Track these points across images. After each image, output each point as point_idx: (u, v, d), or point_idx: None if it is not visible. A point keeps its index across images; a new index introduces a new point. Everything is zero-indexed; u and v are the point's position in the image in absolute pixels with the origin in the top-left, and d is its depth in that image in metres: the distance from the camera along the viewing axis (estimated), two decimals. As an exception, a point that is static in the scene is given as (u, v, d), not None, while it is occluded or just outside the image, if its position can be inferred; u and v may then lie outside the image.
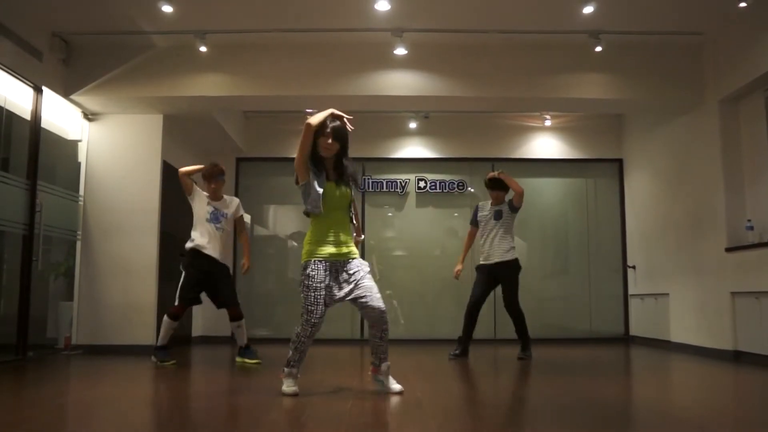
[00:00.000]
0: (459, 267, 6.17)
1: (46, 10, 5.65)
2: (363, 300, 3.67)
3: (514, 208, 6.10)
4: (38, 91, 5.79)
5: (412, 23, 6.01)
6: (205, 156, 8.25)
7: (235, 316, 5.51)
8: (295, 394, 3.68)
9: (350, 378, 4.61)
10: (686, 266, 6.73)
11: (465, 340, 6.05)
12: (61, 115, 6.35)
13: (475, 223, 6.23)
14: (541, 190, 8.76)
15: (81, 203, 6.56)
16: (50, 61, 5.97)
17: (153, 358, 5.42)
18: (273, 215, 8.76)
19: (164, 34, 6.16)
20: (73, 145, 6.61)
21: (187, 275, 5.40)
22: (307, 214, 3.82)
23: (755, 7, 5.48)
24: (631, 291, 8.18)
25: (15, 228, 5.55)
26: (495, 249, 6.02)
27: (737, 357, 5.82)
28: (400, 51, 6.25)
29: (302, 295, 3.66)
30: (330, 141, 3.76)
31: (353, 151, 8.68)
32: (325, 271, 3.65)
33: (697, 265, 6.50)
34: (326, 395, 3.81)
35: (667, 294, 7.12)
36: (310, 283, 3.62)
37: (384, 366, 3.83)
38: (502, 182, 6.09)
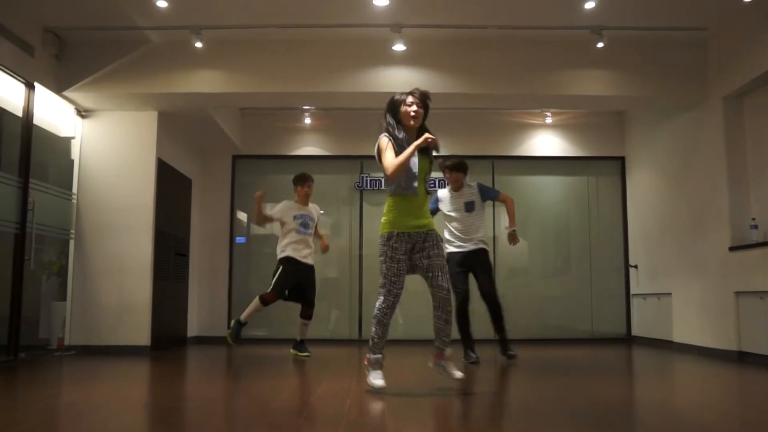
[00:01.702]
0: None
1: (38, 5, 5.56)
2: (434, 278, 3.73)
3: (493, 197, 5.66)
4: (30, 87, 5.70)
5: (411, 19, 5.93)
6: (200, 154, 8.21)
7: (308, 315, 6.02)
8: (382, 389, 3.68)
9: (348, 378, 4.55)
10: (689, 265, 6.65)
11: (469, 341, 5.64)
12: (53, 111, 6.27)
13: (434, 209, 5.63)
14: (542, 189, 8.69)
15: (74, 201, 6.47)
16: (42, 57, 5.87)
17: (230, 337, 5.88)
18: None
19: (159, 29, 6.07)
20: (66, 142, 6.52)
21: (284, 271, 5.88)
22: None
23: (760, 1, 5.40)
24: (633, 290, 8.10)
25: (7, 227, 5.47)
26: (465, 238, 5.57)
27: (741, 358, 5.74)
28: (399, 47, 6.17)
29: (383, 266, 3.75)
30: (416, 108, 3.79)
31: (351, 149, 8.67)
32: (407, 243, 3.74)
33: (701, 264, 6.42)
34: (324, 396, 3.76)
35: (670, 294, 7.04)
36: (394, 254, 3.72)
37: (447, 351, 3.83)
38: (463, 165, 5.65)
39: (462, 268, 5.49)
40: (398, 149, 3.76)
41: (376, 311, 3.81)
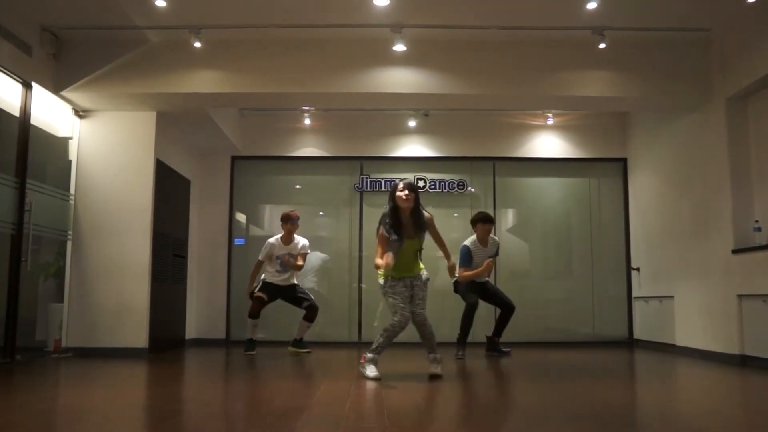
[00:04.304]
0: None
1: (36, 4, 5.51)
2: (414, 305, 4.72)
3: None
4: (27, 86, 5.66)
5: (412, 19, 5.89)
6: (199, 155, 8.18)
7: (309, 318, 6.65)
8: (378, 379, 4.47)
9: (348, 381, 4.51)
10: (692, 268, 6.60)
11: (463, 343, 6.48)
12: (51, 111, 6.22)
13: (468, 263, 6.48)
14: (544, 190, 8.65)
15: (72, 202, 6.43)
16: (40, 56, 5.83)
17: (246, 351, 6.57)
18: (269, 215, 8.64)
19: (158, 29, 6.04)
20: (64, 142, 6.47)
21: (263, 286, 6.68)
22: None
23: (764, 2, 5.36)
24: (635, 293, 8.04)
25: (3, 227, 5.42)
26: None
27: (744, 361, 5.70)
28: (400, 47, 6.12)
29: (390, 299, 4.68)
30: (407, 192, 4.58)
31: (351, 150, 8.62)
32: (402, 282, 4.71)
33: (703, 267, 6.37)
34: (323, 399, 3.73)
35: (672, 296, 6.99)
36: (395, 289, 4.69)
37: (431, 356, 4.75)
38: (491, 219, 6.57)
39: (476, 292, 6.53)
40: (389, 233, 4.64)
41: (389, 326, 4.62)
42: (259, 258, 6.72)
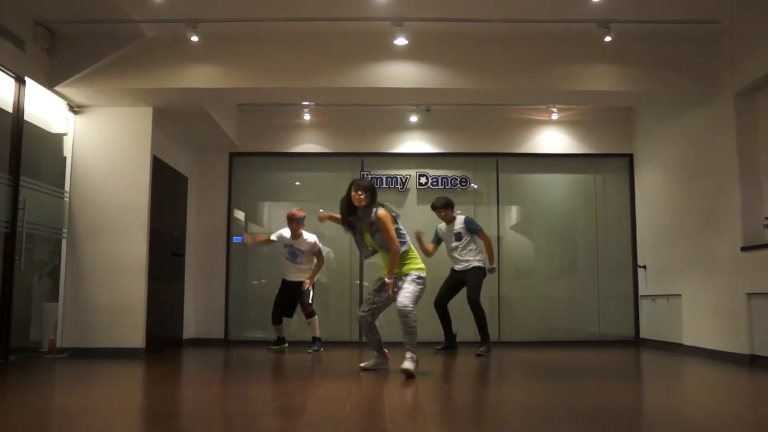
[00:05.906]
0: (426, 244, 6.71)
1: (28, -3, 5.43)
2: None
3: (475, 231, 6.67)
4: (21, 81, 5.56)
5: (413, 12, 5.81)
6: (197, 152, 8.09)
7: (306, 314, 6.89)
8: (363, 369, 4.94)
9: (348, 381, 4.49)
10: (700, 266, 6.51)
11: (447, 335, 6.81)
12: (45, 107, 6.13)
13: (436, 242, 6.81)
14: (548, 187, 8.58)
15: (66, 200, 6.35)
16: (33, 51, 5.73)
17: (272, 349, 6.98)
18: (268, 212, 8.58)
19: (154, 22, 5.94)
20: (58, 138, 6.39)
21: (279, 290, 7.01)
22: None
23: (774, -7, 5.26)
24: (641, 292, 7.96)
25: (-4, 226, 5.34)
26: (460, 260, 6.68)
27: (753, 361, 5.61)
28: (401, 41, 6.03)
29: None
30: (359, 193, 4.79)
31: (351, 146, 8.54)
32: (376, 282, 5.06)
33: (711, 264, 6.28)
34: (323, 399, 3.70)
35: (680, 295, 6.90)
36: None
37: (407, 354, 4.75)
38: (447, 202, 6.70)
39: (452, 281, 6.75)
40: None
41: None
42: (271, 237, 7.00)
